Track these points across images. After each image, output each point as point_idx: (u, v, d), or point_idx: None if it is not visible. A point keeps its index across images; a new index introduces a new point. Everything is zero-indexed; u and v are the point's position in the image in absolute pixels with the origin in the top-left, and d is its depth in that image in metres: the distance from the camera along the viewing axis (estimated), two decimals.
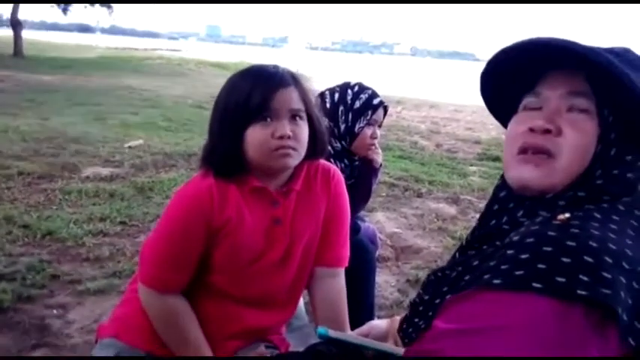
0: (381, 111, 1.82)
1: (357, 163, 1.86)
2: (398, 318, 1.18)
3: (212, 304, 1.15)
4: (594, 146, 0.74)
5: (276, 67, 1.14)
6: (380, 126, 1.85)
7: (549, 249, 0.64)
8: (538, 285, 0.62)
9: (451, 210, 3.88)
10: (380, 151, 1.89)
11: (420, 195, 4.20)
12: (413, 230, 3.41)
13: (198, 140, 5.29)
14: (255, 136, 1.07)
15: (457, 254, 0.85)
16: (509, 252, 0.67)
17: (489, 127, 8.38)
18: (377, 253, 2.10)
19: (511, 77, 0.83)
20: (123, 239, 2.80)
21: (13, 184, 3.54)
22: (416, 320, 0.82)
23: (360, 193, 1.87)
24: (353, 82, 1.85)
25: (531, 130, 0.77)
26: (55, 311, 2.06)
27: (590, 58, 0.71)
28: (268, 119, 1.07)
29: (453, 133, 7.52)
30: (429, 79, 14.73)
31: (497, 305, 0.64)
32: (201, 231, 1.09)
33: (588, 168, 0.74)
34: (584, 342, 0.60)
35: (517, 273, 0.64)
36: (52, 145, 4.61)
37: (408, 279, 2.67)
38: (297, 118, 1.10)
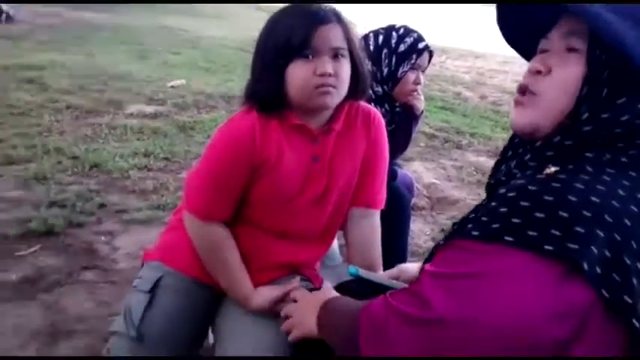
0: (426, 56, 1.77)
1: (398, 109, 1.84)
2: None
3: (251, 236, 1.20)
4: (578, 86, 0.73)
5: (318, 4, 1.12)
6: (424, 72, 1.81)
7: (526, 204, 0.66)
8: (509, 238, 0.65)
9: (491, 163, 3.79)
10: (422, 97, 1.85)
11: (459, 147, 4.13)
12: (450, 182, 3.38)
13: (238, 83, 5.30)
14: (297, 73, 1.07)
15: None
16: (492, 204, 0.70)
17: None
18: (412, 201, 2.11)
19: (529, 24, 0.83)
20: (166, 174, 2.89)
21: (61, 117, 3.67)
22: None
23: (400, 140, 1.86)
24: (398, 24, 1.80)
25: (529, 71, 0.78)
26: (103, 237, 2.19)
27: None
28: (310, 56, 1.07)
29: (500, 85, 7.26)
30: (477, 27, 14.11)
31: (472, 254, 0.69)
32: (244, 166, 1.12)
33: (574, 111, 0.73)
34: (549, 295, 0.63)
35: (493, 226, 0.67)
36: (98, 82, 4.71)
37: (443, 229, 2.68)
38: (339, 56, 1.09)
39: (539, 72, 0.77)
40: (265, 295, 1.15)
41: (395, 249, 1.83)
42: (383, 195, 1.31)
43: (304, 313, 0.96)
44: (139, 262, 2.00)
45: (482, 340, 0.65)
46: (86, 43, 6.66)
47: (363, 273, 1.11)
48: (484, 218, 0.69)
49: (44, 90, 4.24)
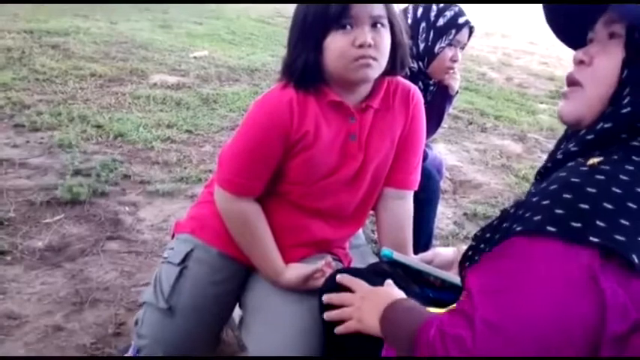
0: (465, 31, 1.70)
1: (432, 87, 1.79)
2: (465, 247, 1.18)
3: (283, 212, 1.19)
4: (618, 70, 0.72)
5: None
6: (463, 49, 1.74)
7: (569, 196, 0.64)
8: (552, 229, 0.63)
9: (516, 147, 3.75)
10: (459, 76, 1.79)
11: (484, 130, 4.05)
12: (474, 165, 3.33)
13: (260, 56, 5.24)
14: (335, 44, 1.04)
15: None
16: (534, 199, 0.68)
17: (565, 64, 7.84)
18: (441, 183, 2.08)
19: (578, 17, 0.81)
20: (189, 147, 2.89)
21: (85, 84, 3.66)
22: (466, 263, 0.84)
23: (432, 120, 1.81)
24: None
25: (574, 62, 0.78)
26: (127, 208, 2.19)
27: None
28: (348, 27, 1.03)
29: (526, 66, 7.09)
30: (503, 5, 13.76)
31: (515, 258, 0.66)
32: (280, 142, 1.10)
33: (615, 96, 0.72)
34: (598, 290, 0.61)
35: (535, 218, 0.65)
36: (121, 50, 4.69)
37: (465, 212, 2.65)
38: (379, 25, 1.05)
39: (582, 62, 0.77)
40: (297, 271, 1.14)
41: (422, 231, 1.80)
42: (417, 176, 1.29)
43: (366, 309, 0.91)
44: (162, 234, 2.03)
45: (547, 348, 0.63)
46: (109, 9, 6.63)
47: (398, 256, 1.09)
48: (527, 214, 0.67)
49: (68, 57, 4.23)
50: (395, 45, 1.10)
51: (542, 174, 0.81)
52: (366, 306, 0.92)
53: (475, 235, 0.94)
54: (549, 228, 0.63)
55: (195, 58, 4.79)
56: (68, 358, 1.41)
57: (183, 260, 1.18)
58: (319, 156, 1.12)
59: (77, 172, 2.39)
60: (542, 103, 5.26)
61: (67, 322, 1.54)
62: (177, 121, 3.17)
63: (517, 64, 7.20)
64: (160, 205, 2.26)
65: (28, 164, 2.44)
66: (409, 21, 1.71)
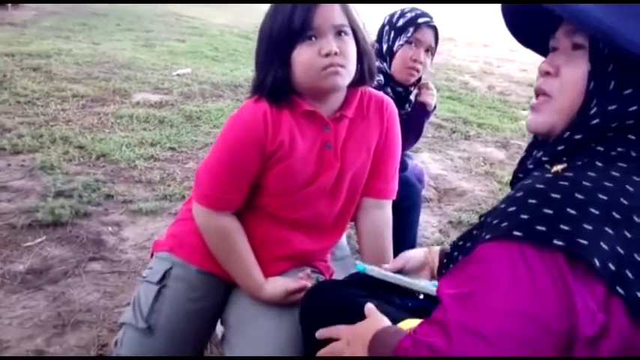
0: (426, 31, 1.69)
1: (402, 93, 1.78)
2: (436, 248, 1.19)
3: (262, 226, 1.19)
4: (585, 80, 0.73)
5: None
6: (430, 52, 1.73)
7: (534, 201, 0.66)
8: (518, 233, 0.64)
9: (499, 154, 3.79)
10: (434, 92, 1.79)
11: (467, 137, 4.09)
12: (458, 173, 3.35)
13: (244, 71, 5.26)
14: (302, 56, 1.06)
15: None
16: (501, 206, 0.70)
17: None
18: (422, 192, 2.09)
19: (536, 20, 0.82)
20: (173, 164, 2.88)
21: (68, 105, 3.65)
22: (445, 261, 0.85)
23: (410, 134, 1.83)
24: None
25: (540, 73, 0.79)
26: (110, 228, 2.18)
27: None
28: (313, 38, 1.05)
29: (507, 74, 7.19)
30: (484, 15, 13.99)
31: (482, 262, 0.68)
32: (256, 155, 1.10)
33: (583, 106, 0.74)
34: (567, 290, 0.62)
35: (502, 225, 0.67)
36: (104, 70, 4.68)
37: (450, 220, 2.66)
38: (343, 34, 1.07)
39: (548, 73, 0.78)
40: (279, 285, 1.14)
41: (404, 240, 1.81)
42: (395, 185, 1.30)
43: (352, 351, 0.89)
44: (145, 253, 2.02)
45: (525, 341, 0.63)
46: (91, 30, 6.63)
47: (370, 271, 1.09)
48: (494, 221, 0.69)
49: (50, 78, 4.22)
50: (360, 52, 1.12)
51: (514, 183, 0.82)
52: (355, 349, 0.89)
53: (453, 242, 0.95)
54: (515, 232, 0.64)
55: (178, 75, 4.80)
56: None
57: (162, 279, 1.18)
58: (296, 166, 1.13)
59: (59, 194, 2.37)
60: (524, 109, 5.32)
61: (49, 345, 1.52)
62: (160, 139, 3.17)
63: (498, 72, 7.29)
64: (144, 224, 2.25)
65: (9, 187, 2.41)
66: (380, 27, 1.75)
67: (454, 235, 2.51)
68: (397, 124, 1.25)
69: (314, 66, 1.05)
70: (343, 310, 0.98)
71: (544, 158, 0.76)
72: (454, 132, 4.17)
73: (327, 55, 1.04)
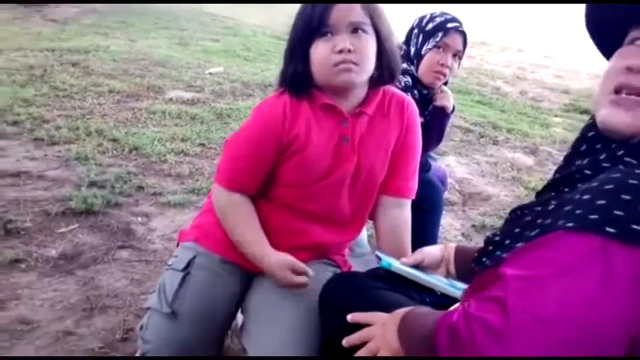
0: (455, 36, 1.70)
1: (427, 95, 1.80)
2: (452, 245, 1.20)
3: (279, 217, 1.23)
4: None
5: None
6: (458, 57, 1.75)
7: (628, 197, 0.62)
8: (611, 230, 0.61)
9: (528, 160, 3.74)
10: (450, 93, 1.80)
11: (496, 142, 4.05)
12: (484, 177, 3.33)
13: (274, 71, 5.27)
14: (318, 52, 1.10)
15: (543, 194, 0.84)
16: (585, 197, 0.65)
17: (581, 77, 7.79)
18: (445, 195, 2.09)
19: (620, 10, 0.78)
20: (202, 160, 2.95)
21: (104, 100, 3.77)
22: (483, 259, 0.83)
23: (432, 136, 1.84)
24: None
25: (629, 69, 0.73)
26: (139, 218, 2.25)
27: None
28: (329, 34, 1.09)
29: (541, 80, 7.07)
30: (519, 20, 13.73)
31: (567, 250, 0.64)
32: (273, 143, 1.16)
33: None
34: None
35: (591, 217, 0.63)
36: (139, 67, 4.82)
37: (474, 224, 2.65)
38: (360, 31, 1.10)
39: None
40: (286, 258, 1.15)
41: (424, 241, 1.82)
42: (414, 184, 1.31)
43: (386, 332, 0.88)
44: (172, 244, 2.08)
45: (581, 344, 0.61)
46: (129, 28, 6.82)
47: (396, 269, 1.11)
48: (578, 211, 0.65)
49: (88, 74, 4.37)
50: (380, 51, 1.14)
51: (576, 179, 0.77)
52: (384, 330, 0.89)
53: (488, 237, 0.91)
54: (608, 229, 0.61)
55: (210, 74, 4.90)
56: (75, 359, 1.45)
57: (186, 267, 1.22)
58: (312, 158, 1.17)
59: (92, 184, 2.47)
60: (556, 116, 5.23)
61: (77, 327, 1.59)
62: (191, 135, 3.25)
63: (532, 78, 7.18)
64: (172, 216, 2.31)
65: (46, 176, 2.52)
66: (408, 30, 1.77)
67: (477, 239, 2.50)
68: (417, 124, 1.27)
69: (327, 62, 1.09)
70: (363, 299, 1.00)
71: (627, 159, 0.71)
72: (482, 136, 4.13)
73: (341, 51, 1.07)
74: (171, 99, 4.00)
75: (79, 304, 1.68)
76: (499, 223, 2.62)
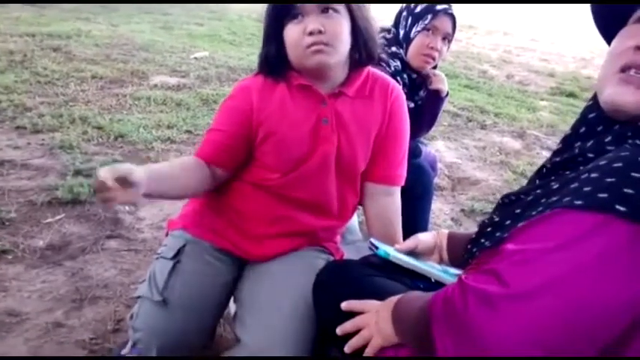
0: (444, 19, 1.68)
1: (417, 79, 1.79)
2: (445, 231, 1.19)
3: (270, 204, 1.23)
4: None
5: None
6: (447, 40, 1.73)
7: (638, 175, 0.61)
8: (622, 208, 0.60)
9: (515, 144, 3.76)
10: (443, 77, 1.79)
11: (484, 127, 4.07)
12: (473, 162, 3.34)
13: None
14: (289, 35, 1.10)
15: (536, 179, 0.84)
16: (593, 175, 0.64)
17: (567, 60, 7.84)
18: (434, 180, 2.10)
19: None
20: (189, 147, 2.91)
21: (87, 86, 3.70)
22: (482, 240, 0.83)
23: (425, 120, 1.83)
24: None
25: (638, 47, 0.71)
26: (127, 207, 2.22)
27: None
28: (300, 16, 1.08)
29: (527, 63, 7.09)
30: (505, 3, 13.72)
31: (573, 225, 0.63)
32: (242, 120, 1.18)
33: None
34: None
35: (601, 195, 0.62)
36: (122, 52, 4.73)
37: (463, 209, 2.66)
38: (331, 10, 1.09)
39: None
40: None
41: (416, 227, 1.82)
42: (402, 171, 1.30)
43: (379, 319, 0.87)
44: (161, 233, 2.05)
45: (583, 320, 0.61)
46: (110, 12, 6.68)
47: (393, 258, 1.10)
48: (586, 188, 0.64)
49: (70, 59, 4.28)
50: (355, 31, 1.13)
51: (579, 162, 0.76)
52: (377, 317, 0.88)
53: (483, 222, 0.90)
54: (618, 207, 0.60)
55: (195, 58, 4.83)
56: (70, 358, 1.44)
57: (176, 255, 1.21)
58: (289, 137, 1.17)
59: (78, 173, 2.42)
60: (542, 100, 5.26)
61: (67, 318, 1.57)
62: (177, 122, 3.20)
63: (518, 61, 7.20)
64: (160, 205, 2.28)
65: (30, 165, 2.47)
66: (397, 13, 1.75)
67: (466, 223, 2.52)
68: (404, 109, 1.26)
69: (299, 44, 1.09)
70: (357, 287, 1.00)
71: (635, 140, 0.70)
72: (470, 121, 4.14)
73: (311, 33, 1.06)
74: (155, 85, 3.93)
75: (68, 295, 1.66)
76: (488, 207, 2.64)
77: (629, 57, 0.73)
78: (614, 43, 0.78)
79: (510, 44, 8.65)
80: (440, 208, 2.63)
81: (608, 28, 0.83)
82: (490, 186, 2.98)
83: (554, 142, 3.89)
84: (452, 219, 2.55)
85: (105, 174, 0.93)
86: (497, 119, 4.28)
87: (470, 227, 2.49)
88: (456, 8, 1.74)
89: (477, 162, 3.35)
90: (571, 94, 5.51)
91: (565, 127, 4.22)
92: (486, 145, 3.65)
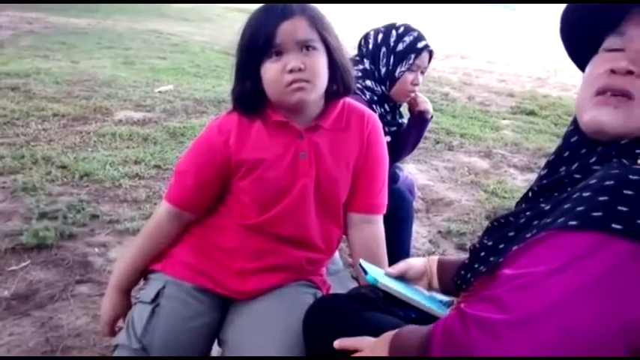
0: (425, 55, 1.75)
1: (398, 108, 1.83)
2: (435, 258, 1.18)
3: (254, 240, 1.19)
4: None
5: (285, 2, 1.10)
6: (423, 73, 1.79)
7: (631, 192, 0.61)
8: (617, 226, 0.60)
9: (483, 164, 3.83)
10: (426, 99, 1.84)
11: (451, 148, 4.14)
12: (444, 183, 3.38)
13: (226, 87, 5.22)
14: (268, 72, 1.08)
15: (523, 203, 0.83)
16: (585, 194, 0.64)
17: (524, 80, 8.12)
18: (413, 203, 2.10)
19: (594, 16, 0.79)
20: (158, 182, 2.84)
21: (48, 125, 3.59)
22: (476, 266, 0.81)
23: (408, 144, 1.86)
24: (399, 23, 1.78)
25: (612, 71, 0.73)
26: (96, 249, 2.13)
27: None
28: (278, 54, 1.07)
29: (486, 84, 7.31)
30: (461, 27, 14.21)
31: (569, 246, 0.62)
32: (217, 163, 1.16)
33: None
34: None
35: (595, 214, 0.62)
36: (84, 88, 4.63)
37: (440, 230, 2.67)
38: (310, 48, 1.08)
39: (631, 72, 0.72)
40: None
41: (398, 251, 1.80)
42: (383, 200, 1.29)
43: (376, 357, 0.85)
44: None
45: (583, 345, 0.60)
46: (70, 49, 6.56)
47: (382, 285, 1.07)
48: (579, 208, 0.64)
49: (29, 98, 4.15)
50: (332, 65, 1.13)
51: (565, 184, 0.76)
52: (378, 354, 0.85)
53: (474, 246, 0.90)
54: (614, 225, 0.60)
55: (160, 92, 4.77)
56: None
57: (155, 298, 1.16)
58: (268, 173, 1.15)
59: (43, 216, 2.32)
60: (504, 119, 5.40)
61: None
62: (144, 157, 3.13)
63: (477, 83, 7.41)
64: (131, 244, 2.20)
65: None
66: (370, 46, 1.75)
67: (444, 245, 2.52)
68: (381, 137, 1.25)
69: (279, 82, 1.07)
70: (348, 324, 0.97)
71: (620, 159, 0.71)
72: (438, 142, 4.21)
73: (292, 71, 1.05)
74: (120, 120, 3.85)
75: (38, 348, 1.56)
76: (465, 228, 2.66)
77: (604, 80, 0.75)
78: (588, 68, 0.81)
79: (469, 67, 8.92)
80: (417, 231, 2.63)
81: (580, 55, 0.85)
82: (464, 206, 3.01)
83: (520, 160, 3.98)
84: (430, 241, 2.55)
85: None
86: (463, 140, 4.36)
87: (448, 249, 2.49)
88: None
89: (449, 183, 3.38)
90: (531, 113, 5.68)
91: (528, 145, 4.33)
92: (455, 166, 3.70)
